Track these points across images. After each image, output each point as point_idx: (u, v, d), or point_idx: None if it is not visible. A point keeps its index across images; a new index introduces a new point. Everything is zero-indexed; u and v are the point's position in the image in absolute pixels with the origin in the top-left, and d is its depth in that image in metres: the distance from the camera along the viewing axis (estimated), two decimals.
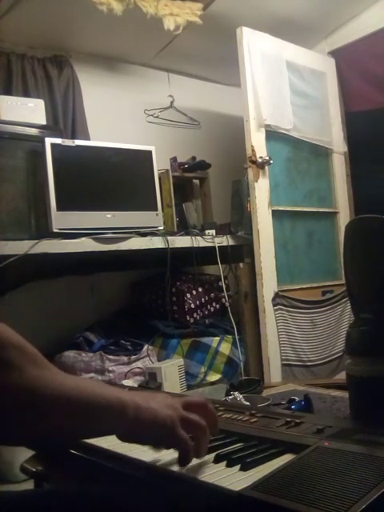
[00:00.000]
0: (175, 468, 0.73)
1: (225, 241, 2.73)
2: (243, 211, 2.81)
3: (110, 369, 2.35)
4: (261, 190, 2.72)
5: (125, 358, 2.40)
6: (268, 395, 1.46)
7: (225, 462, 0.72)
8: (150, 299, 2.90)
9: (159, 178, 2.69)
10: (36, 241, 2.09)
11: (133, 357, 2.42)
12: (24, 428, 0.61)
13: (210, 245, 2.67)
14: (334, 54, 3.29)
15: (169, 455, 0.77)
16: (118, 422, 0.65)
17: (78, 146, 2.35)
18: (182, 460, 0.69)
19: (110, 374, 2.34)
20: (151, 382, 2.24)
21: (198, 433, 0.70)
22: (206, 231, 2.79)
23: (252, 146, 2.70)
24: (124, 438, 0.69)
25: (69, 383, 0.63)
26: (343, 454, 0.68)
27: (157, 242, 2.46)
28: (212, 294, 2.87)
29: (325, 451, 0.70)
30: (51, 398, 0.61)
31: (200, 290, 2.82)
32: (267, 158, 2.70)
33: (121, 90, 3.21)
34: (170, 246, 2.47)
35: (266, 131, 2.77)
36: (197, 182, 3.40)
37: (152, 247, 2.44)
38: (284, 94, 2.88)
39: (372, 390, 0.94)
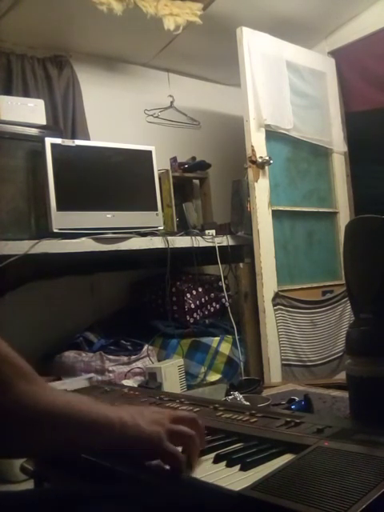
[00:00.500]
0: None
1: (225, 241, 2.73)
2: (243, 211, 2.81)
3: (110, 369, 2.35)
4: (261, 190, 2.72)
5: (125, 358, 2.40)
6: (268, 395, 1.46)
7: (225, 462, 0.72)
8: (150, 299, 2.90)
9: (159, 178, 2.69)
10: (36, 241, 2.09)
11: (133, 357, 2.42)
12: (13, 442, 0.62)
13: (210, 245, 2.67)
14: (334, 54, 3.29)
15: None
16: (105, 439, 0.66)
17: (78, 146, 2.35)
18: (173, 472, 0.69)
19: (110, 374, 2.34)
20: (151, 382, 2.24)
21: (188, 442, 0.71)
22: (206, 231, 2.79)
23: (252, 146, 2.70)
24: (110, 453, 0.70)
25: (59, 399, 0.64)
26: (343, 454, 0.68)
27: (157, 242, 2.46)
28: (212, 294, 2.87)
29: (325, 451, 0.70)
30: (41, 414, 0.62)
31: (200, 289, 2.82)
32: (267, 158, 2.70)
33: (121, 89, 3.21)
34: (170, 246, 2.47)
35: (266, 131, 2.77)
36: (197, 182, 3.40)
37: (152, 247, 2.44)
38: (284, 94, 2.88)
39: (372, 390, 0.94)
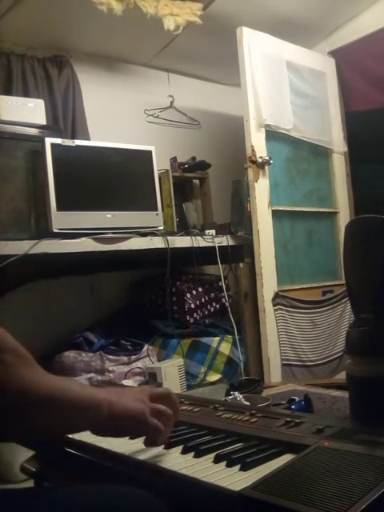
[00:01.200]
0: (175, 468, 0.73)
1: (225, 241, 2.73)
2: (243, 211, 2.81)
3: (110, 369, 2.35)
4: (261, 190, 2.72)
5: (125, 358, 2.40)
6: (268, 395, 1.46)
7: (225, 462, 0.72)
8: (150, 299, 2.90)
9: (159, 178, 2.69)
10: (36, 241, 2.09)
11: (133, 357, 2.42)
12: (15, 424, 0.66)
13: (210, 245, 2.66)
14: (334, 54, 3.29)
15: (169, 455, 0.78)
16: (95, 418, 0.72)
17: (78, 146, 2.35)
18: (150, 442, 0.79)
19: (110, 374, 2.34)
20: (151, 382, 2.24)
21: (165, 420, 0.78)
22: (206, 231, 2.79)
23: (252, 146, 2.70)
24: (100, 432, 0.77)
25: (56, 384, 0.70)
26: (343, 454, 0.68)
27: (157, 242, 2.46)
28: (212, 294, 2.87)
29: (325, 451, 0.70)
30: (41, 397, 0.67)
31: (200, 289, 2.82)
32: (267, 158, 2.70)
33: (121, 89, 3.21)
34: (170, 246, 2.47)
35: (266, 131, 2.77)
36: (197, 182, 3.40)
37: (152, 247, 2.43)
38: (284, 94, 2.88)
39: (372, 390, 0.94)
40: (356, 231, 1.01)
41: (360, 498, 0.56)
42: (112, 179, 2.42)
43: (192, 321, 2.74)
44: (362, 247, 1.00)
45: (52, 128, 2.50)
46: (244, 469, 0.69)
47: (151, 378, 2.31)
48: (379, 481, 0.59)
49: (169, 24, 2.60)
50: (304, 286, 2.91)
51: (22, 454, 0.97)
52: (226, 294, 2.79)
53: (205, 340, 2.63)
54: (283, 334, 2.74)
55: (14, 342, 0.67)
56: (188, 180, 3.33)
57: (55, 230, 2.18)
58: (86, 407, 0.71)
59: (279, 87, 2.86)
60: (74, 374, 2.33)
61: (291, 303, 2.80)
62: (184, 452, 0.79)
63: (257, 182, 2.71)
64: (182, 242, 2.57)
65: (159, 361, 2.52)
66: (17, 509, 0.67)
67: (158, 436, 0.78)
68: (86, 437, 0.84)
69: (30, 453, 0.95)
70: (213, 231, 2.79)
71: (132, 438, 0.86)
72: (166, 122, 3.33)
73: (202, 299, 2.82)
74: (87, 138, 2.89)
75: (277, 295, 2.74)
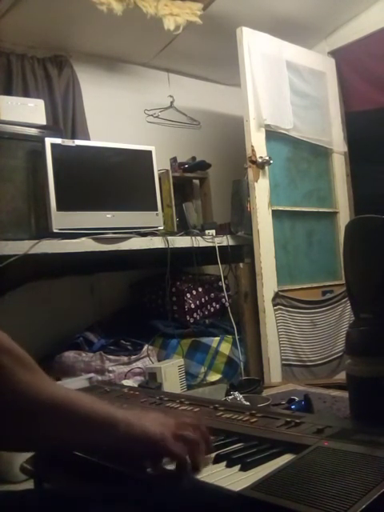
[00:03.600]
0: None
1: (225, 241, 2.73)
2: (243, 211, 2.81)
3: (110, 369, 2.35)
4: (261, 190, 2.72)
5: (125, 358, 2.40)
6: (268, 395, 1.46)
7: (225, 462, 0.72)
8: (150, 299, 2.90)
9: (159, 178, 2.69)
10: (36, 241, 2.09)
11: (133, 357, 2.42)
12: (14, 433, 0.62)
13: (210, 245, 2.66)
14: (334, 54, 3.29)
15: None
16: (109, 437, 0.67)
17: (78, 146, 2.35)
18: (178, 471, 0.70)
19: (110, 374, 2.34)
20: (151, 382, 2.24)
21: (192, 447, 0.71)
22: (206, 231, 2.79)
23: (252, 146, 2.70)
24: (114, 454, 0.70)
25: (59, 392, 0.65)
26: (343, 454, 0.68)
27: (157, 242, 2.46)
28: (212, 294, 2.87)
29: (325, 451, 0.70)
30: (42, 404, 0.62)
31: (200, 289, 2.82)
32: (267, 158, 2.70)
33: (121, 89, 3.21)
34: (170, 246, 2.47)
35: (266, 131, 2.77)
36: (197, 182, 3.40)
37: (152, 247, 2.44)
38: (284, 94, 2.88)
39: (372, 390, 0.94)
40: (356, 231, 1.01)
41: (360, 497, 0.56)
42: (112, 179, 2.42)
43: (192, 321, 2.74)
44: (362, 247, 1.00)
45: (52, 128, 2.50)
46: (244, 469, 0.69)
47: (151, 378, 2.31)
48: (379, 481, 0.59)
49: (169, 24, 2.60)
50: (304, 286, 2.91)
51: (22, 454, 0.97)
52: (226, 294, 2.79)
53: (205, 340, 2.63)
54: (283, 334, 2.74)
55: (11, 344, 0.63)
56: (188, 180, 3.33)
57: (55, 230, 2.18)
58: (98, 423, 0.66)
59: (279, 87, 2.86)
60: (74, 374, 2.34)
61: (291, 303, 2.80)
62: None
63: (257, 182, 2.71)
64: (182, 242, 2.57)
65: (159, 361, 2.52)
66: (17, 509, 0.67)
67: (181, 464, 0.69)
68: None
69: (29, 453, 0.95)
70: (213, 231, 2.79)
71: (150, 465, 0.74)
72: (165, 122, 3.33)
73: (202, 299, 2.82)
74: (87, 138, 2.89)
75: (277, 295, 2.74)
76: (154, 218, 2.50)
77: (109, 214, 2.35)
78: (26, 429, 0.62)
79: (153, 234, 2.48)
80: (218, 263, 2.69)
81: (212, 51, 3.13)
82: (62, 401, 0.64)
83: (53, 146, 2.23)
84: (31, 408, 0.61)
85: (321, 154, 3.14)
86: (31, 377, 0.63)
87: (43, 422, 0.62)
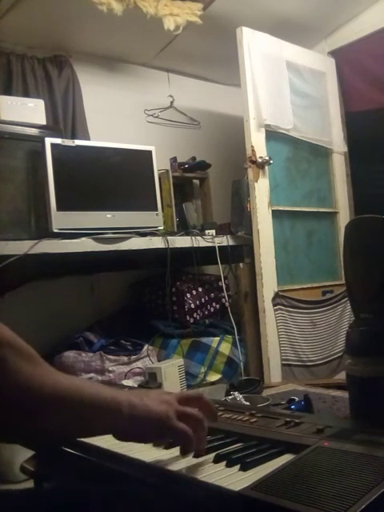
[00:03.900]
0: (175, 468, 0.73)
1: (225, 241, 2.73)
2: (243, 211, 2.81)
3: (110, 369, 2.35)
4: (261, 190, 2.72)
5: (125, 358, 2.40)
6: (268, 395, 1.46)
7: (225, 462, 0.72)
8: (150, 299, 2.90)
9: (159, 178, 2.69)
10: (36, 241, 2.09)
11: (133, 357, 2.42)
12: (19, 426, 0.61)
13: (210, 245, 2.66)
14: (334, 54, 3.29)
15: (168, 455, 0.77)
16: (114, 421, 0.67)
17: (77, 146, 2.35)
18: (184, 449, 0.70)
19: (110, 374, 2.34)
20: (151, 382, 2.24)
21: (196, 424, 0.71)
22: (206, 231, 2.79)
23: (252, 146, 2.70)
24: (122, 436, 0.70)
25: (63, 382, 0.64)
26: (343, 454, 0.68)
27: (157, 242, 2.46)
28: (212, 294, 2.87)
29: (325, 451, 0.70)
30: (46, 396, 0.61)
31: (200, 289, 2.82)
32: (267, 158, 2.70)
33: (121, 89, 3.21)
34: (170, 246, 2.47)
35: (266, 131, 2.77)
36: (197, 182, 3.40)
37: (152, 247, 2.43)
38: (284, 94, 2.88)
39: (372, 390, 0.94)
40: (356, 231, 1.01)
41: (360, 497, 0.56)
42: (112, 179, 2.42)
43: (192, 321, 2.74)
44: (362, 247, 1.00)
45: (52, 128, 2.50)
46: (244, 469, 0.69)
47: (151, 378, 2.31)
48: (379, 481, 0.59)
49: (169, 24, 2.59)
50: (304, 286, 2.91)
51: (22, 454, 0.96)
52: (226, 294, 2.79)
53: (205, 340, 2.63)
54: (283, 334, 2.74)
55: (13, 336, 0.62)
56: (188, 180, 3.33)
57: (55, 230, 2.18)
58: (103, 409, 0.65)
59: (279, 87, 2.86)
60: (74, 374, 2.33)
61: (291, 303, 2.80)
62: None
63: (257, 182, 2.71)
64: (181, 242, 2.57)
65: (159, 361, 2.52)
66: (17, 509, 0.67)
67: (186, 442, 0.70)
68: None
69: (29, 453, 0.95)
70: (213, 231, 2.79)
71: (157, 444, 0.78)
72: (165, 122, 3.33)
73: (202, 299, 2.82)
74: (87, 138, 2.89)
75: (277, 295, 2.74)
76: (153, 218, 2.50)
77: (109, 214, 2.34)
78: (32, 421, 0.61)
79: (153, 234, 2.48)
80: (218, 263, 2.69)
81: (212, 51, 3.13)
82: (65, 391, 0.63)
83: (53, 146, 2.23)
84: (36, 401, 0.61)
85: (321, 154, 3.14)
86: (33, 369, 0.62)
87: (50, 414, 0.62)
